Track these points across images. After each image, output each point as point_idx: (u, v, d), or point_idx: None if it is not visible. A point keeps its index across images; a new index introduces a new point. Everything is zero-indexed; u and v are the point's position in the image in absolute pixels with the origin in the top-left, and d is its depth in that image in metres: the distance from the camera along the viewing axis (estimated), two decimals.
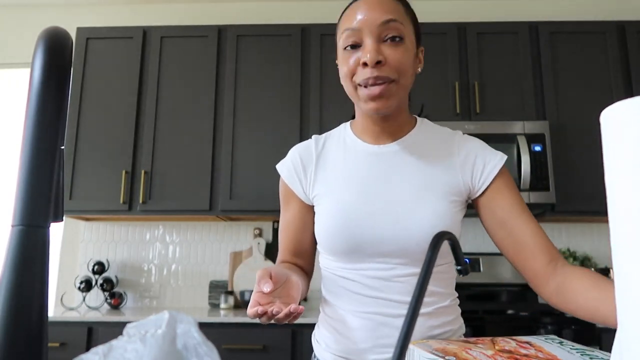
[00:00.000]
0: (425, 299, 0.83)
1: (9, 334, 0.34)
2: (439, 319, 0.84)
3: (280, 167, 0.97)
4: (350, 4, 0.86)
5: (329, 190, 0.89)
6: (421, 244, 0.81)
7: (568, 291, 0.76)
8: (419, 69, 0.89)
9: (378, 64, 0.79)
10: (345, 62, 0.84)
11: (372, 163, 0.89)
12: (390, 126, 0.89)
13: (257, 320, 2.03)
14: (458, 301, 0.91)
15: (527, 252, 0.82)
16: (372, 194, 0.85)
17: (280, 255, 0.97)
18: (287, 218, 0.95)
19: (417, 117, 0.95)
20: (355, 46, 0.82)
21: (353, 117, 1.00)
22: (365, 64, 0.80)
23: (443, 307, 0.85)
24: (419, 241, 0.81)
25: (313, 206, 0.93)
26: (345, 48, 0.83)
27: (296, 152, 0.95)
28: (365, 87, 0.81)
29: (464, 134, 0.93)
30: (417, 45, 0.87)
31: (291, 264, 0.94)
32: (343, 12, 0.87)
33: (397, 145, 0.89)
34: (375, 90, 0.80)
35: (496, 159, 0.87)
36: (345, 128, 0.96)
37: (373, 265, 0.83)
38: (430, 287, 0.84)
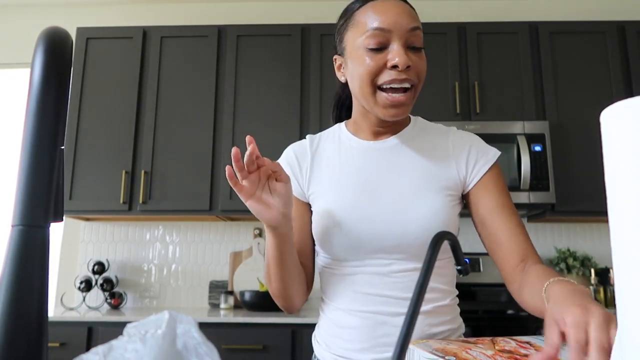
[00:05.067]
0: (425, 296, 0.83)
1: (9, 333, 0.34)
2: (438, 318, 0.84)
3: None
4: (370, 0, 0.83)
5: (324, 189, 0.89)
6: (420, 239, 0.81)
7: (523, 290, 0.76)
8: None
9: (407, 68, 0.79)
10: (363, 62, 0.81)
11: (368, 158, 0.89)
12: (392, 125, 0.90)
13: (257, 320, 2.03)
14: (457, 300, 0.91)
15: (503, 252, 0.82)
16: (368, 190, 0.85)
17: None
18: None
19: (410, 115, 0.96)
20: (381, 48, 0.80)
21: (341, 109, 1.00)
22: (394, 67, 0.79)
23: (442, 305, 0.85)
24: (418, 236, 0.81)
25: (310, 205, 0.93)
26: (369, 48, 0.80)
27: (290, 150, 0.96)
28: (387, 91, 0.80)
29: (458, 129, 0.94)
30: None
31: None
32: (360, 7, 0.84)
33: (393, 140, 0.90)
34: (402, 98, 0.80)
35: (489, 155, 0.88)
36: (340, 127, 0.96)
37: (371, 261, 0.84)
38: (431, 284, 0.84)
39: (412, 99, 0.83)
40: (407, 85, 0.80)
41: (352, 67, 0.84)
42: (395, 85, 0.80)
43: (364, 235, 0.83)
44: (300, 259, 0.91)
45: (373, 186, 0.86)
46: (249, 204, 0.76)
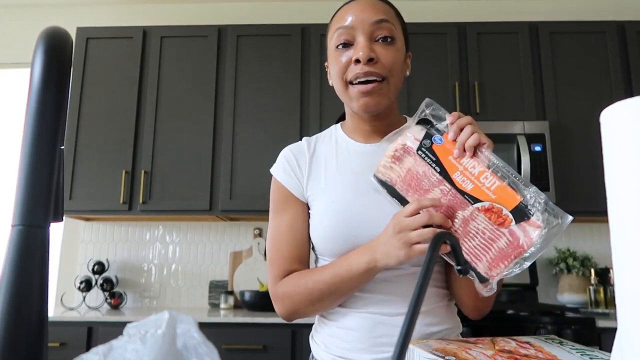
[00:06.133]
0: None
1: (9, 333, 0.34)
2: (436, 317, 0.84)
3: (275, 169, 0.95)
4: (342, 6, 0.88)
5: (322, 191, 0.89)
6: None
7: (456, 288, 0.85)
8: (407, 73, 0.90)
9: (370, 61, 0.81)
10: (336, 61, 0.85)
11: (364, 161, 0.89)
12: (381, 125, 0.90)
13: (257, 320, 2.03)
14: (454, 300, 0.91)
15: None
16: (365, 193, 0.85)
17: (279, 267, 0.89)
18: (287, 222, 0.91)
19: (406, 117, 0.96)
20: (347, 45, 0.84)
21: (342, 118, 1.00)
22: (357, 61, 0.81)
23: (440, 305, 0.85)
24: None
25: (308, 206, 0.92)
26: (337, 47, 0.85)
27: (289, 151, 0.95)
28: (356, 84, 0.82)
29: None
30: (405, 50, 0.89)
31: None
32: (334, 15, 0.89)
33: (386, 143, 0.90)
34: (368, 87, 0.81)
35: None
36: (336, 129, 0.97)
37: None
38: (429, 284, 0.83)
39: (385, 90, 0.83)
40: (372, 78, 0.81)
41: (330, 69, 0.88)
42: (361, 79, 0.81)
43: (362, 238, 0.82)
44: (302, 268, 0.89)
45: (369, 189, 0.85)
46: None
